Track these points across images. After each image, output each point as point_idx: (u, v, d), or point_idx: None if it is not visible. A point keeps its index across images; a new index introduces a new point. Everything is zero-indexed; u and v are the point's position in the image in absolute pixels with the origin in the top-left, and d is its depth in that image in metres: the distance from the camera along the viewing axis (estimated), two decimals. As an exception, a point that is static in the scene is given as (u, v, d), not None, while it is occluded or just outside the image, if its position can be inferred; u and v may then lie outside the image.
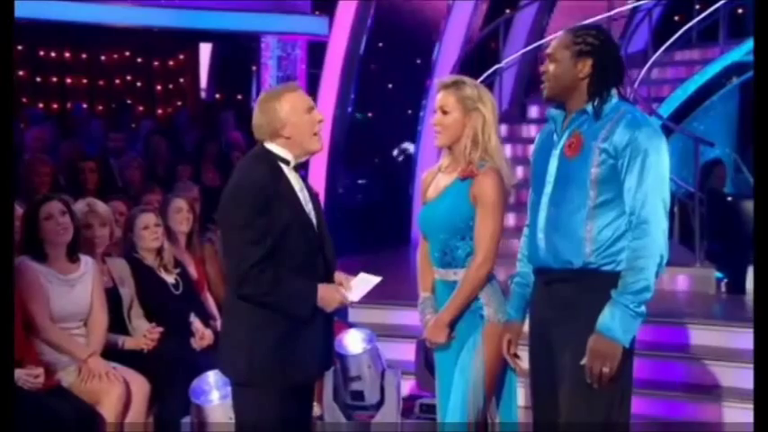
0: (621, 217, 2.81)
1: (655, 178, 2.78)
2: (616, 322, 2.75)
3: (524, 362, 3.14)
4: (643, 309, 2.77)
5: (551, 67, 2.89)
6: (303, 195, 3.06)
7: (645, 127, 2.82)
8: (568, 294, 2.87)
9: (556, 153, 2.92)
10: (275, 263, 2.93)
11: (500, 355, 3.19)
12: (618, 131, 2.81)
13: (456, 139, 3.22)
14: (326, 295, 3.02)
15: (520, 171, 8.52)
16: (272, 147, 3.04)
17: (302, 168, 3.17)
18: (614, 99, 2.89)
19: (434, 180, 3.32)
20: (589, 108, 2.88)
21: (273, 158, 3.03)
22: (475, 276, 3.15)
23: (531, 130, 9.27)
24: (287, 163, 3.04)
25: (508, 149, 9.02)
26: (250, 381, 2.99)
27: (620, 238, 2.81)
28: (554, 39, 2.96)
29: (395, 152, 9.08)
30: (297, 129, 3.02)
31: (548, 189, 2.93)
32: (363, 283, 3.12)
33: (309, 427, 3.28)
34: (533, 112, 9.66)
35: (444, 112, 3.22)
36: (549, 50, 2.92)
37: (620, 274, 2.79)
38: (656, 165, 2.79)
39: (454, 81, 3.29)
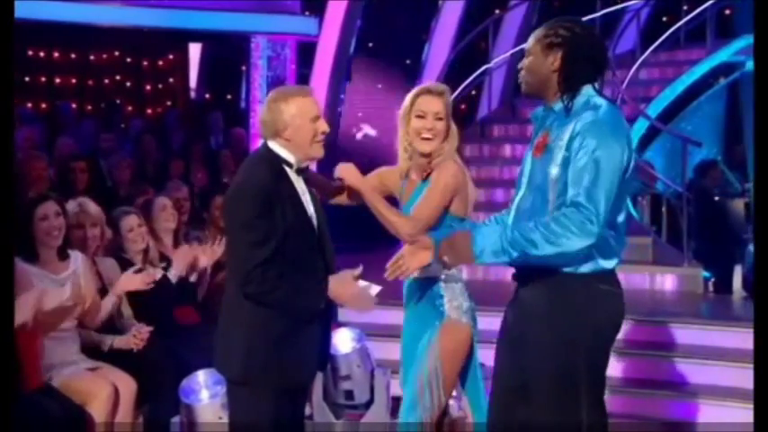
0: None
1: (604, 175, 2.64)
2: (487, 240, 2.71)
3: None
4: (514, 255, 2.68)
5: (526, 62, 2.86)
6: (305, 198, 3.07)
7: (604, 125, 2.70)
8: (527, 296, 2.88)
9: (529, 153, 2.90)
10: (277, 263, 2.93)
11: (459, 354, 3.22)
12: (575, 128, 2.72)
13: (441, 145, 3.25)
14: (337, 286, 3.01)
15: (507, 171, 8.56)
16: (274, 147, 3.05)
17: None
18: (588, 95, 2.80)
19: (402, 184, 3.37)
20: (556, 105, 2.82)
21: (276, 160, 3.03)
22: (399, 224, 3.16)
23: (521, 130, 9.30)
24: (290, 165, 3.04)
25: (499, 150, 9.06)
26: (246, 379, 2.99)
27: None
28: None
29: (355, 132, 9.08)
30: (298, 133, 3.02)
31: (519, 190, 2.91)
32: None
33: (303, 427, 3.28)
34: (523, 111, 9.69)
35: (440, 119, 3.24)
36: (525, 46, 2.88)
37: (578, 276, 2.76)
38: (606, 161, 2.65)
39: (444, 89, 3.32)
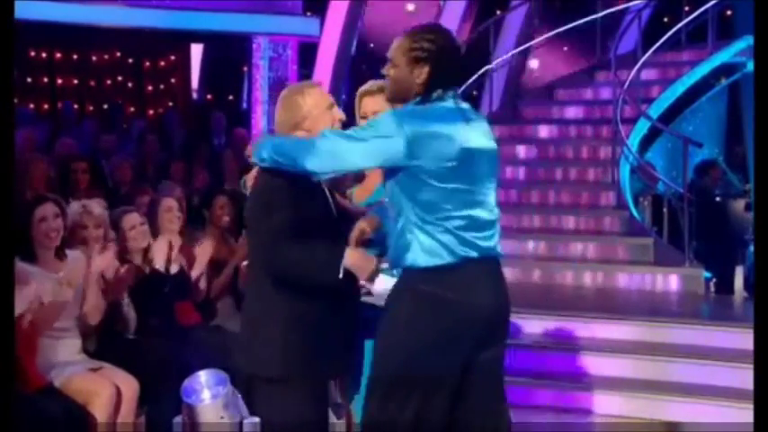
0: (403, 220, 2.80)
1: (365, 132, 2.76)
2: (264, 142, 2.88)
3: None
4: (264, 155, 2.84)
5: (391, 72, 2.90)
6: (325, 188, 3.10)
7: (403, 111, 2.81)
8: None
9: None
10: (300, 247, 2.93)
11: None
12: None
13: None
14: (357, 261, 2.92)
15: (509, 172, 8.57)
16: None
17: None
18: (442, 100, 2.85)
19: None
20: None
21: None
22: None
23: (522, 130, 9.31)
24: None
25: (500, 150, 9.05)
26: (284, 375, 2.97)
27: (403, 238, 2.80)
28: (395, 41, 2.94)
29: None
30: (316, 123, 3.04)
31: None
32: (384, 281, 3.07)
33: (327, 425, 3.26)
34: (524, 112, 9.70)
35: None
36: (389, 53, 2.92)
37: (406, 270, 2.80)
38: (376, 127, 2.76)
39: (380, 87, 3.32)
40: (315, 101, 3.06)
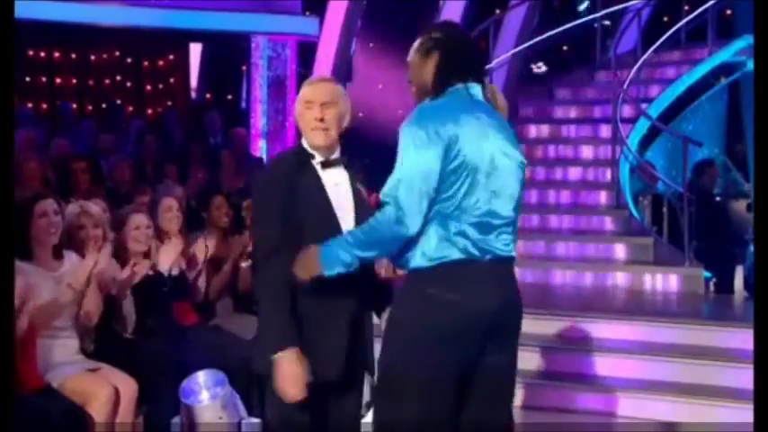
0: None
1: (402, 167, 2.68)
2: (332, 248, 2.73)
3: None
4: (347, 261, 2.71)
5: (410, 74, 2.88)
6: (337, 192, 2.99)
7: (423, 109, 2.75)
8: None
9: None
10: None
11: None
12: None
13: None
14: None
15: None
16: (303, 140, 3.07)
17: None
18: (450, 91, 2.80)
19: None
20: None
21: (303, 152, 3.02)
22: None
23: (522, 130, 9.30)
24: (313, 157, 3.01)
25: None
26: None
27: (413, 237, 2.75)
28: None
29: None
30: (301, 122, 3.05)
31: None
32: None
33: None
34: (525, 111, 9.69)
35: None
36: (408, 58, 2.91)
37: (411, 271, 2.75)
38: (406, 145, 2.69)
39: None
40: (300, 97, 3.05)
